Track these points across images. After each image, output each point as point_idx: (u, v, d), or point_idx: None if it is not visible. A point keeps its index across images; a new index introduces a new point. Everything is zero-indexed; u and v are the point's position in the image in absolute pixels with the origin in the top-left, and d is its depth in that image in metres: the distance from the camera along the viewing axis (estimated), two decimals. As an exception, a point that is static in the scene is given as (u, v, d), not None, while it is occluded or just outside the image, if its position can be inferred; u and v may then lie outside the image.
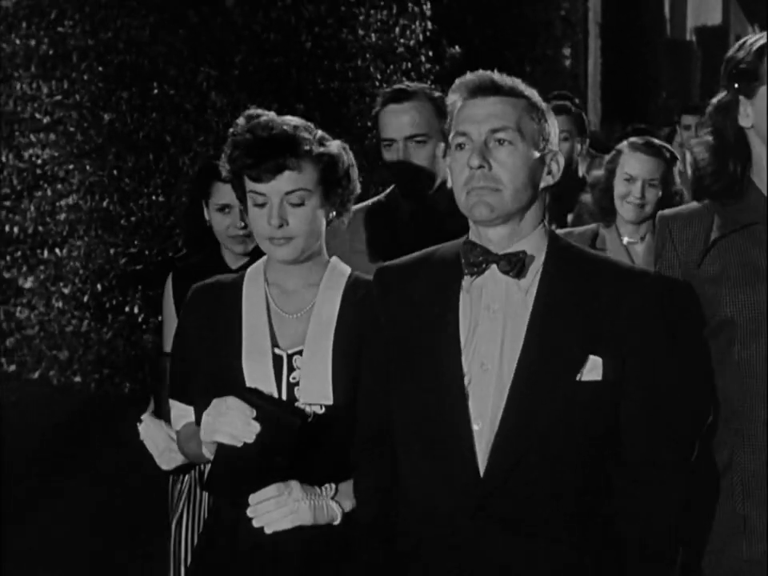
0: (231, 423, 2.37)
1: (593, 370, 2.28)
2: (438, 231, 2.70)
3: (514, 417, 2.27)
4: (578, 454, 2.29)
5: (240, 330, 2.55)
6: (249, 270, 2.66)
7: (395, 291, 2.43)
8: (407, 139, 3.43)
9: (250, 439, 2.36)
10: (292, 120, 2.56)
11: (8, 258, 7.68)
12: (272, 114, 2.56)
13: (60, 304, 7.45)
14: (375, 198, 3.67)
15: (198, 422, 2.53)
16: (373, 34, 7.97)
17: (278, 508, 2.42)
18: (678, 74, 20.69)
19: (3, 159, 7.69)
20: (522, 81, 2.42)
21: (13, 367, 7.61)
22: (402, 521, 2.40)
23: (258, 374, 2.50)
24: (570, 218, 5.25)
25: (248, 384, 2.47)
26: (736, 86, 2.42)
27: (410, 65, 8.26)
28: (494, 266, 2.33)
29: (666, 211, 2.62)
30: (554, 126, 2.41)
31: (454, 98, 2.40)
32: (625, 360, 2.29)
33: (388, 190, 3.63)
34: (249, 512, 2.45)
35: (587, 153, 6.09)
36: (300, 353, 2.52)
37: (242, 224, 3.51)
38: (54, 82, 7.46)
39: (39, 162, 7.62)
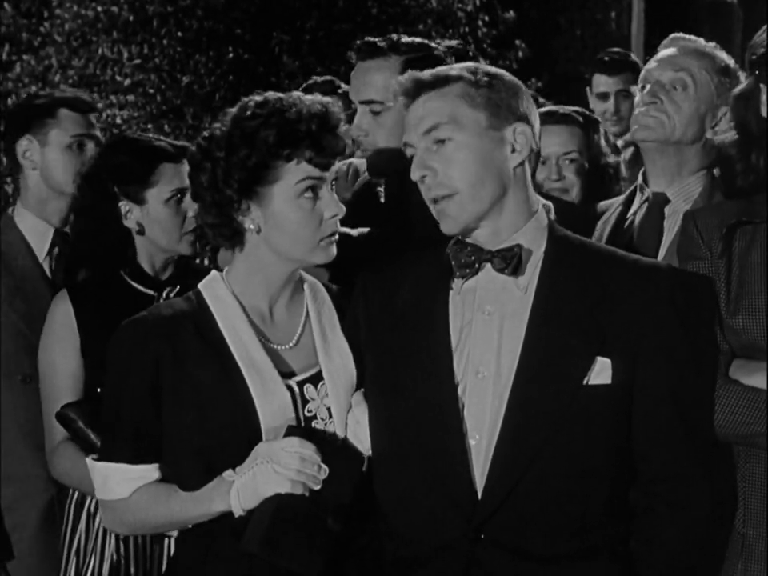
0: (295, 468, 1.99)
1: (601, 372, 2.02)
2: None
3: (513, 429, 2.00)
4: (585, 466, 2.02)
5: (234, 365, 2.09)
6: (203, 289, 2.17)
7: (379, 300, 2.15)
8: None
9: (318, 485, 2.00)
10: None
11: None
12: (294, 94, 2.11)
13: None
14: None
15: (180, 481, 2.10)
16: (433, 0, 8.36)
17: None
18: (719, 35, 20.81)
19: (82, 119, 8.14)
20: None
21: None
22: (390, 555, 2.09)
23: (274, 409, 2.08)
24: None
25: (263, 426, 2.06)
26: (757, 72, 2.19)
27: (467, 29, 8.64)
28: (487, 265, 2.06)
29: (693, 209, 2.38)
30: (511, 90, 2.07)
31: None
32: (636, 362, 2.03)
33: None
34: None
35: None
36: (308, 381, 2.14)
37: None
38: (134, 47, 7.92)
39: (118, 121, 8.07)
